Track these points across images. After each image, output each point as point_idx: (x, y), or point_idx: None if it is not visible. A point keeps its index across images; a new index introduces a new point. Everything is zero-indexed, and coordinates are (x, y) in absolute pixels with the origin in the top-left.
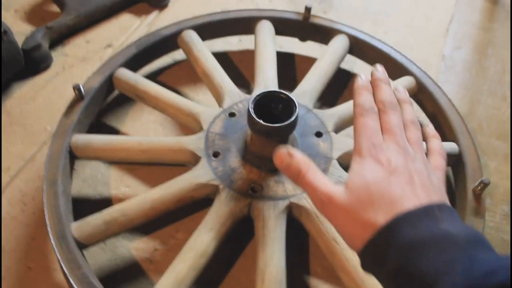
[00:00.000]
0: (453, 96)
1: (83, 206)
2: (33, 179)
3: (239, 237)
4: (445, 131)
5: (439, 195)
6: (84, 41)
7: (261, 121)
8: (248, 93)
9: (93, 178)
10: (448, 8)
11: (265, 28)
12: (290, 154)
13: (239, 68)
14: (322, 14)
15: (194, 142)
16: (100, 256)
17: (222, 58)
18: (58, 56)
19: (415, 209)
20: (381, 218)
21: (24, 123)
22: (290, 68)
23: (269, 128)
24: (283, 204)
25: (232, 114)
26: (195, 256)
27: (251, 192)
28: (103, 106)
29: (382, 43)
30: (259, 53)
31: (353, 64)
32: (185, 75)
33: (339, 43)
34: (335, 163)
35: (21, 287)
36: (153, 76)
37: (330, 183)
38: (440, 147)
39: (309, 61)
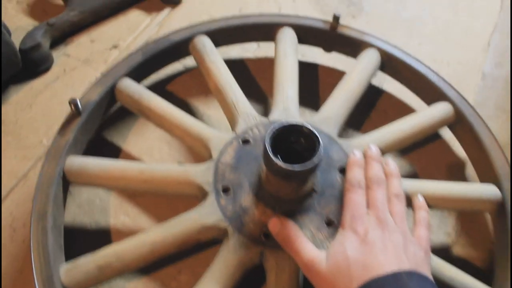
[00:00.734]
0: (492, 121)
1: (77, 237)
2: (25, 201)
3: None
4: (486, 172)
5: (413, 264)
6: (89, 40)
7: (279, 162)
8: (265, 109)
9: (90, 203)
10: (490, 17)
11: (287, 37)
12: (282, 223)
13: (255, 78)
14: (351, 19)
15: (202, 174)
16: None
17: (238, 65)
18: (60, 56)
19: (384, 274)
20: (354, 284)
21: (19, 134)
22: (312, 81)
23: (288, 171)
24: None
25: (246, 141)
26: None
27: (264, 239)
28: (103, 119)
29: (418, 62)
30: (279, 67)
31: (383, 80)
32: (196, 85)
33: (369, 59)
34: None
35: None
36: (161, 85)
37: (315, 250)
38: (425, 218)
39: (334, 74)
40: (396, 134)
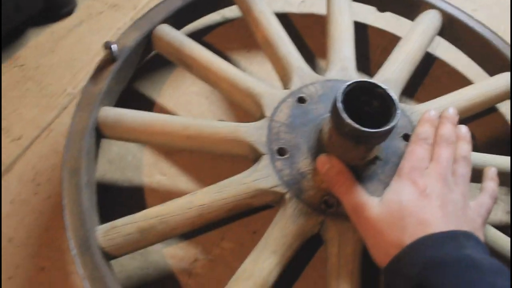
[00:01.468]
0: None
1: (108, 196)
2: (48, 153)
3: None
4: None
5: (470, 227)
6: None
7: (353, 123)
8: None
9: (121, 159)
10: None
11: None
12: (331, 161)
13: (301, 36)
14: None
15: (255, 133)
16: (129, 263)
17: (280, 21)
18: (84, 0)
19: (441, 232)
20: (407, 237)
21: (40, 81)
22: (363, 43)
23: (362, 133)
24: None
25: (301, 100)
26: (254, 287)
27: (325, 207)
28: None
29: (484, 27)
30: (333, 23)
31: (435, 45)
32: (236, 37)
33: (429, 21)
34: None
35: None
36: (197, 36)
37: (366, 194)
38: (493, 189)
39: (385, 36)
40: (462, 102)
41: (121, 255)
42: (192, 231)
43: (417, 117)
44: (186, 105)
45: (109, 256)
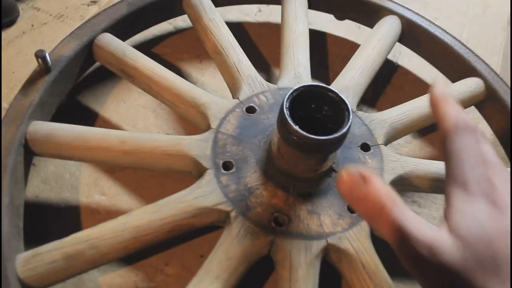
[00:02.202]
0: None
1: (41, 219)
2: None
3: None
4: None
5: None
6: None
7: (300, 131)
8: (268, 80)
9: (58, 179)
10: None
11: None
12: (365, 178)
13: (257, 45)
14: None
15: (198, 146)
16: None
17: (237, 30)
18: (27, 9)
19: None
20: (502, 283)
21: None
22: (320, 52)
23: (312, 141)
24: (318, 245)
25: (251, 110)
26: None
27: (274, 225)
28: (77, 81)
29: (445, 32)
30: (288, 29)
31: (398, 52)
32: (188, 48)
33: (389, 27)
34: None
35: None
36: (146, 47)
37: (429, 226)
38: (473, 129)
39: (345, 45)
40: (423, 109)
41: (46, 287)
42: (132, 256)
43: (377, 125)
44: (131, 119)
45: None
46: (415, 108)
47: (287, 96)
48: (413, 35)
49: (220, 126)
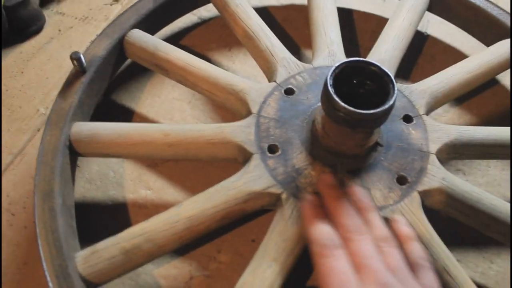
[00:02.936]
0: None
1: (90, 218)
2: (23, 180)
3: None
4: None
5: None
6: None
7: (347, 106)
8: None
9: (102, 177)
10: None
11: None
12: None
13: (283, 28)
14: None
15: (241, 132)
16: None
17: (261, 15)
18: (52, 15)
19: None
20: None
21: (10, 104)
22: (349, 29)
23: (359, 116)
24: None
25: (289, 91)
26: None
27: None
28: (111, 80)
29: None
30: (316, 9)
31: (426, 22)
32: (215, 38)
33: None
34: (434, 159)
35: None
36: (174, 40)
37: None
38: (421, 256)
39: (371, 19)
40: (460, 76)
41: (106, 282)
42: (184, 246)
43: (417, 96)
44: (168, 113)
45: (92, 284)
46: (452, 75)
47: (330, 73)
48: (443, 2)
49: (261, 111)
